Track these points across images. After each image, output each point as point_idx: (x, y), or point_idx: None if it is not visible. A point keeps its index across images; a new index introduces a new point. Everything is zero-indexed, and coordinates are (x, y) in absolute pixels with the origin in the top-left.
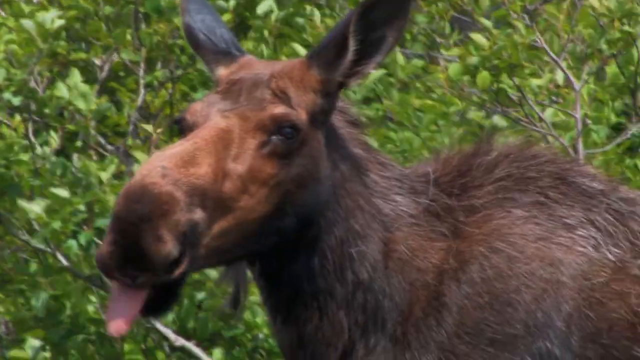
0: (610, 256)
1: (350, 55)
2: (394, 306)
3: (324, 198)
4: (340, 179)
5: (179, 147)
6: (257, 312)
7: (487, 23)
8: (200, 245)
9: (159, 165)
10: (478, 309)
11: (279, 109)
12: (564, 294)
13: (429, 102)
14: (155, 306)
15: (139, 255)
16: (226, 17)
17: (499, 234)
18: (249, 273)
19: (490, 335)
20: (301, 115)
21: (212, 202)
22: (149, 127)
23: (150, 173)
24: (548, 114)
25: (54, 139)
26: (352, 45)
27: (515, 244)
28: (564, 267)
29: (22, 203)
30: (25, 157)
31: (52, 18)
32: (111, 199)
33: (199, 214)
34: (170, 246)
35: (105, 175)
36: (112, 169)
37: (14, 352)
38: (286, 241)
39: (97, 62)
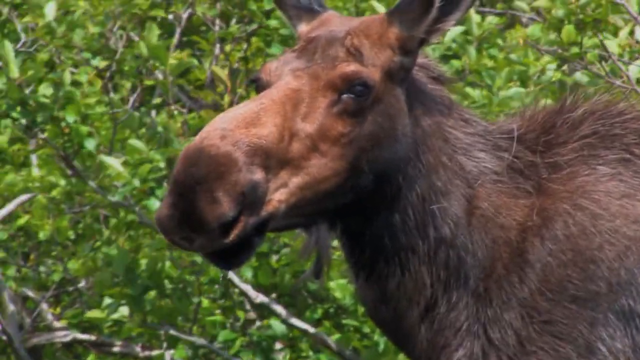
0: None
1: (435, 12)
2: (477, 263)
3: (402, 155)
4: (421, 136)
5: (244, 107)
6: (331, 277)
7: None
8: (263, 206)
9: (219, 127)
10: (561, 266)
11: (350, 67)
12: None
13: (502, 60)
14: (229, 258)
15: (194, 217)
16: None
17: (583, 191)
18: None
19: (573, 293)
20: (374, 73)
21: (278, 161)
22: (220, 71)
23: (210, 135)
24: (632, 70)
25: (125, 87)
26: (438, 2)
27: (600, 201)
28: None
29: (104, 157)
30: (100, 109)
31: None
32: None
33: (259, 175)
34: (225, 208)
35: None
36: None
37: (91, 313)
38: (364, 198)
39: (169, 16)
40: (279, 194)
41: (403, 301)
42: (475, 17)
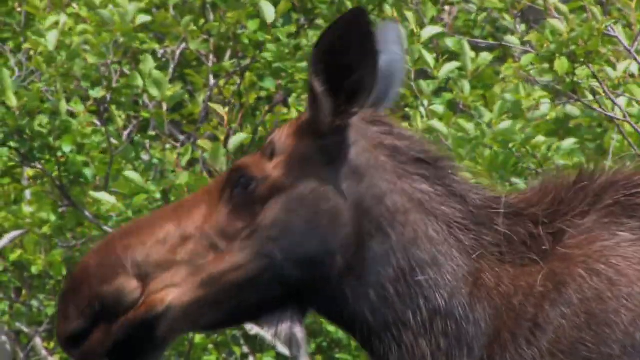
0: None
1: (322, 97)
2: (480, 332)
3: (336, 237)
4: (386, 213)
5: (148, 215)
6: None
7: (564, 8)
8: (127, 312)
9: (108, 239)
10: (575, 329)
11: (238, 162)
12: None
13: (493, 94)
14: (121, 353)
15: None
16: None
17: (601, 255)
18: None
19: (586, 355)
20: (267, 164)
21: (156, 265)
22: (219, 108)
23: (94, 247)
24: (622, 102)
25: (121, 118)
26: (318, 87)
27: (617, 266)
28: None
29: (94, 194)
30: (97, 138)
31: (134, 12)
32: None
33: (119, 283)
34: (71, 322)
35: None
36: (186, 157)
37: None
38: (306, 284)
39: (161, 51)
40: (164, 294)
41: None
42: (470, 53)
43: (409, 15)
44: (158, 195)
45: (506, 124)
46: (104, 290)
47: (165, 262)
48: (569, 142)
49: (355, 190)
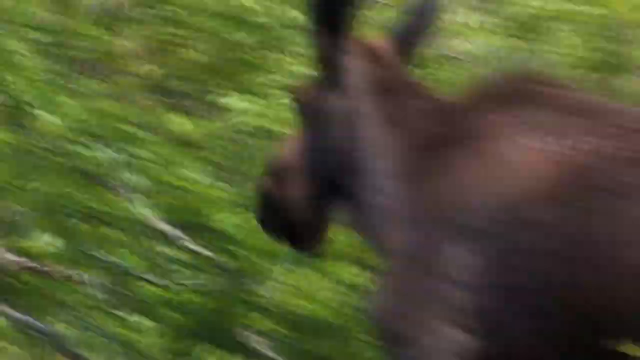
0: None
1: (315, 33)
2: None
3: (325, 141)
4: (357, 114)
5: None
6: None
7: None
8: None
9: None
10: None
11: (293, 88)
12: None
13: None
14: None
15: None
16: None
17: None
18: None
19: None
20: (310, 90)
21: (284, 172)
22: None
23: None
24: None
25: None
26: (312, 25)
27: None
28: None
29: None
30: None
31: None
32: None
33: (268, 184)
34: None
35: None
36: None
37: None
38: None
39: None
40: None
41: None
42: None
43: None
44: None
45: None
46: (263, 186)
47: (289, 169)
48: None
49: (342, 103)
